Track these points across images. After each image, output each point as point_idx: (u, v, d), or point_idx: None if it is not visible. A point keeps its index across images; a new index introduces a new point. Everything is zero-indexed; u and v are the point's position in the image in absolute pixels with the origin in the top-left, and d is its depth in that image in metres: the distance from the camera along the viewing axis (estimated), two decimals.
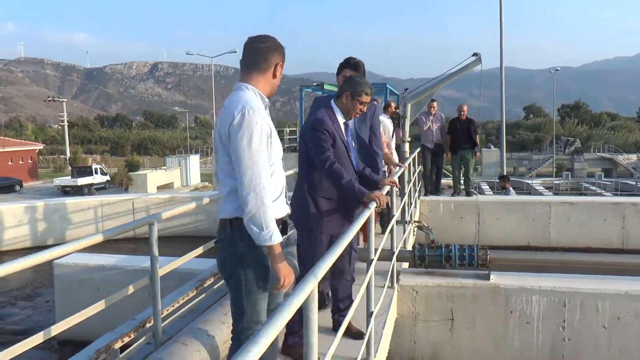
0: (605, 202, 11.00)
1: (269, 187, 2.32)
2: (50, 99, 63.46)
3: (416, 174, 10.45)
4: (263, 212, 2.26)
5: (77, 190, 33.56)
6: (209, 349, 3.20)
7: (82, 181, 35.17)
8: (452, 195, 11.45)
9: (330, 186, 3.37)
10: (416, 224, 8.34)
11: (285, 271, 2.35)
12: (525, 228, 10.86)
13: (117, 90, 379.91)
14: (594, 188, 29.26)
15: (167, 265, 3.63)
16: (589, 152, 53.96)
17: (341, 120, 3.50)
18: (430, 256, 5.55)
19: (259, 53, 2.46)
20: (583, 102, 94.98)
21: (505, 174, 12.47)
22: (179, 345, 3.10)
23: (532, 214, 10.82)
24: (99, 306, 3.48)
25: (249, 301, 2.50)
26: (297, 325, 3.44)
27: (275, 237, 2.30)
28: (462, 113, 10.97)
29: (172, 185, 38.12)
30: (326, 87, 21.46)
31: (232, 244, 2.41)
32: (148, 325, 3.58)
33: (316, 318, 1.96)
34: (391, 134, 7.02)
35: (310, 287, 1.90)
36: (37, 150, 52.21)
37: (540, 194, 28.52)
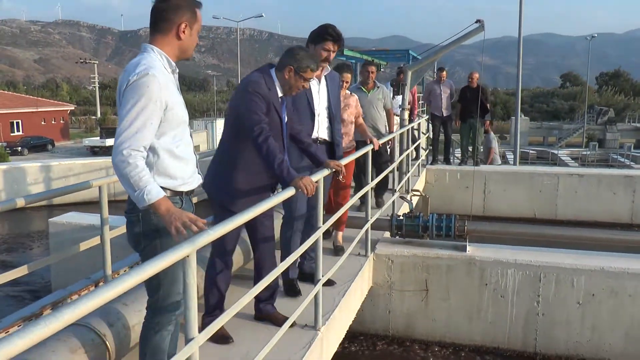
0: (616, 174, 10.66)
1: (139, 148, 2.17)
2: (82, 60, 64.26)
3: (418, 142, 10.32)
4: (129, 172, 2.15)
5: (105, 151, 34.28)
6: None
7: (110, 142, 35.88)
8: (459, 164, 11.28)
9: (255, 160, 3.17)
10: (412, 192, 8.29)
11: (172, 218, 2.19)
12: (532, 200, 10.67)
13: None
14: (622, 160, 28.40)
15: (118, 228, 3.69)
16: (623, 122, 52.12)
17: (279, 92, 3.31)
18: (407, 225, 5.51)
19: (159, 13, 2.34)
20: (624, 70, 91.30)
21: (491, 118, 11.84)
22: (120, 307, 3.16)
23: (540, 185, 10.59)
24: (50, 259, 3.61)
25: (167, 271, 2.46)
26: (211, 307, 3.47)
27: (150, 193, 2.16)
28: (472, 80, 10.70)
29: (199, 148, 38.54)
30: (346, 52, 21.17)
31: (146, 215, 2.32)
32: (100, 284, 3.66)
33: (193, 283, 1.96)
34: (391, 102, 6.91)
35: (184, 252, 1.89)
36: (68, 111, 53.28)
37: (566, 164, 27.90)
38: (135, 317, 3.13)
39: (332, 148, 4.36)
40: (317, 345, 3.57)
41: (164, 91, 2.22)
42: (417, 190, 8.62)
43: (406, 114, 8.34)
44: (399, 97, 10.18)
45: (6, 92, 55.68)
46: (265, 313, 3.64)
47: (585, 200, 10.42)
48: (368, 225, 5.21)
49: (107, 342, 2.88)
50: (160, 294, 2.45)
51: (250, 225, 3.43)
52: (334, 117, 4.32)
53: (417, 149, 10.68)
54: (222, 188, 3.26)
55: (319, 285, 3.59)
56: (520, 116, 49.98)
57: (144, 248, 2.42)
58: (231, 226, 2.28)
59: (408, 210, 5.67)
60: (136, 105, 2.15)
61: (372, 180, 6.49)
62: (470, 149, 11.16)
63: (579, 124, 48.92)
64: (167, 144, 2.31)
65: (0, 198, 11.82)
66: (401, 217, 5.55)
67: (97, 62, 64.40)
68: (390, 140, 6.73)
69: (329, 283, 4.45)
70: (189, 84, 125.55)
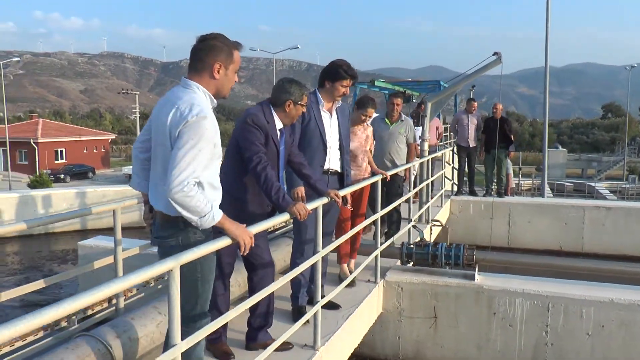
0: None
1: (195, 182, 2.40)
2: (124, 91, 66.68)
3: (440, 173, 10.40)
4: (196, 203, 2.38)
5: None
6: (154, 324, 3.47)
7: None
8: (484, 195, 11.27)
9: (249, 187, 3.37)
10: (433, 223, 8.37)
11: (238, 232, 2.58)
12: (558, 232, 10.56)
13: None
14: None
15: (131, 250, 3.95)
16: None
17: (278, 125, 3.54)
18: (417, 254, 5.61)
19: (195, 53, 2.57)
20: None
21: (515, 150, 11.58)
22: (128, 321, 3.39)
23: (565, 217, 10.49)
24: (63, 276, 3.90)
25: (205, 288, 2.70)
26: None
27: (216, 215, 2.47)
28: (496, 111, 10.78)
29: None
30: (377, 83, 21.52)
31: (186, 237, 2.54)
32: (113, 302, 3.91)
33: (177, 295, 2.16)
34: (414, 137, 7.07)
35: (169, 266, 2.11)
36: (110, 140, 55.21)
37: (604, 197, 27.27)
38: (141, 330, 3.36)
39: (342, 178, 4.57)
40: None
41: (216, 133, 2.48)
42: (438, 221, 8.69)
43: (426, 145, 8.48)
44: (420, 128, 10.36)
45: (53, 121, 58.20)
46: (259, 341, 3.67)
47: (613, 234, 10.25)
48: (377, 252, 5.34)
49: (112, 352, 3.10)
50: (190, 304, 2.63)
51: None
52: (344, 149, 4.54)
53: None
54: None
55: (318, 306, 3.75)
56: (558, 148, 49.21)
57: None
58: (217, 246, 2.49)
59: (418, 239, 5.76)
60: (195, 147, 2.37)
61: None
62: (495, 180, 11.17)
63: (619, 156, 47.77)
64: (210, 177, 2.53)
65: None
66: (412, 246, 5.66)
67: (138, 92, 66.62)
68: (405, 173, 6.86)
69: (335, 307, 4.60)
70: (227, 114, 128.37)
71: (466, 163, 11.28)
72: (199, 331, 2.40)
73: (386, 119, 6.74)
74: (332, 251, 5.46)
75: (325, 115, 4.36)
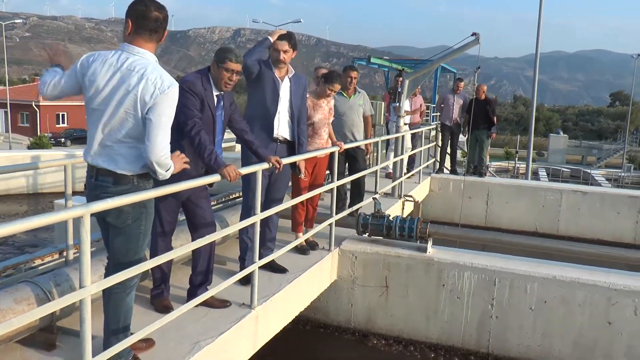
0: (620, 194, 10.57)
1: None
2: None
3: (420, 150, 10.52)
4: (167, 160, 2.72)
5: None
6: (97, 275, 3.64)
7: None
8: (464, 174, 11.39)
9: (185, 150, 3.41)
10: (405, 198, 8.51)
11: (178, 165, 2.87)
12: (535, 214, 10.69)
13: (199, 54, 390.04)
14: None
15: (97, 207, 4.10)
16: None
17: (215, 91, 3.69)
18: (372, 224, 5.77)
19: (157, 22, 2.73)
20: None
21: (496, 131, 11.48)
22: (71, 271, 3.56)
23: (542, 200, 10.61)
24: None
25: (144, 241, 2.88)
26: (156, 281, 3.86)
27: (172, 165, 2.78)
28: (480, 92, 10.86)
29: (234, 149, 39.34)
30: (373, 60, 21.46)
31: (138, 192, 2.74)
32: (64, 254, 4.08)
33: (87, 240, 2.33)
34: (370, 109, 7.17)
35: (79, 212, 2.28)
36: None
37: (599, 184, 27.33)
38: (94, 287, 3.52)
39: (292, 146, 4.71)
40: (250, 322, 3.89)
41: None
42: (410, 196, 8.82)
43: (401, 121, 8.57)
44: (407, 102, 10.44)
45: None
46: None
47: (588, 218, 10.38)
48: (331, 221, 5.52)
49: (50, 299, 3.27)
50: (128, 256, 2.83)
51: (186, 209, 3.80)
52: (295, 118, 4.66)
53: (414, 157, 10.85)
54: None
55: (254, 267, 3.94)
56: (560, 133, 49.07)
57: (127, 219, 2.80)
58: (155, 193, 2.73)
59: (375, 210, 5.91)
60: (170, 115, 2.73)
61: (347, 186, 6.81)
62: (476, 160, 11.29)
63: (620, 145, 47.61)
64: None
65: (26, 182, 12.61)
66: (368, 216, 5.82)
67: None
68: (367, 147, 6.97)
69: (282, 271, 4.78)
70: (236, 86, 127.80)
71: (449, 142, 11.41)
72: (110, 278, 2.56)
73: (343, 93, 6.77)
74: (287, 219, 5.67)
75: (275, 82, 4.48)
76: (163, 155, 2.67)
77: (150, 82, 2.62)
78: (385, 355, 5.51)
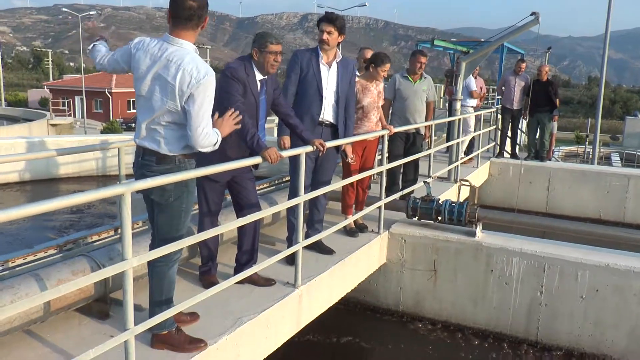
0: None
1: None
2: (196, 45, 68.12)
3: (479, 133, 10.29)
4: (211, 140, 2.89)
5: None
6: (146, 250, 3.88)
7: None
8: (525, 158, 11.07)
9: (229, 134, 3.61)
10: (461, 182, 8.41)
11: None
12: (599, 200, 10.26)
13: None
14: None
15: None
16: None
17: (258, 76, 3.79)
18: (422, 208, 5.76)
19: (194, 10, 2.80)
20: None
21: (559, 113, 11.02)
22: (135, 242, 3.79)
23: (607, 186, 10.16)
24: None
25: (186, 218, 3.09)
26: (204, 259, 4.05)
27: (219, 138, 2.97)
28: (542, 73, 10.46)
29: None
30: (436, 42, 21.04)
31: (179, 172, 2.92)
32: (119, 231, 4.35)
33: (127, 217, 2.51)
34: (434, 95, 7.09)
35: (120, 190, 2.46)
36: None
37: None
38: (135, 260, 3.77)
39: (337, 130, 4.77)
40: (293, 301, 4.02)
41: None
42: (466, 181, 8.69)
43: (458, 104, 8.43)
44: (474, 82, 10.25)
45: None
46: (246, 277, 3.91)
47: None
48: (381, 204, 5.55)
49: None
50: (171, 232, 3.01)
51: (232, 190, 3.96)
52: (342, 102, 4.72)
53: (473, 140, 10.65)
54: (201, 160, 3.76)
55: (298, 246, 4.05)
56: (637, 116, 46.29)
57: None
58: (194, 174, 2.88)
59: (425, 195, 5.88)
60: (209, 103, 2.85)
61: (402, 169, 6.80)
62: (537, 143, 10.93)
63: None
64: None
65: (96, 165, 13.31)
66: (418, 200, 5.81)
67: (209, 47, 67.92)
68: (425, 131, 6.93)
69: (329, 252, 4.88)
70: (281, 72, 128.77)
71: (510, 125, 11.09)
72: (155, 250, 2.75)
73: (409, 77, 6.75)
74: (339, 202, 5.76)
75: (323, 67, 4.56)
76: (206, 141, 2.84)
77: (187, 73, 2.75)
78: (430, 341, 5.52)
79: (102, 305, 3.45)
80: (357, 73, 5.48)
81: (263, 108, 3.85)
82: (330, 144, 4.32)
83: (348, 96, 4.78)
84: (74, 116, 41.92)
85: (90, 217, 9.06)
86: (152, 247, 3.12)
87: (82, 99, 40.51)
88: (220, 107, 3.63)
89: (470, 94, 10.46)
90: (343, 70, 4.70)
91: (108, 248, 3.76)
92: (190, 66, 2.76)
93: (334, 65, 4.64)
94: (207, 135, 2.84)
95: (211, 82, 2.80)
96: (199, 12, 2.82)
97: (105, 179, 13.21)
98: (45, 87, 53.60)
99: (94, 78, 49.10)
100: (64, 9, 63.50)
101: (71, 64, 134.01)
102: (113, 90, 45.54)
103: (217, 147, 2.95)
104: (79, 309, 3.45)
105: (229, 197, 4.21)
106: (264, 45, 3.73)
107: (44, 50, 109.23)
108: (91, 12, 54.57)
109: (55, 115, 33.61)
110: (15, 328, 2.98)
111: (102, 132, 30.28)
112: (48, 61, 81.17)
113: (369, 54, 5.92)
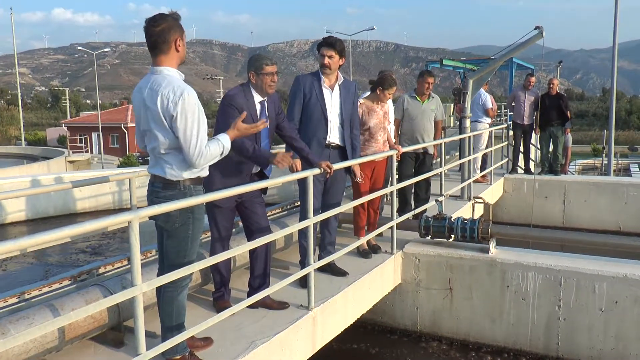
0: None
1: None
2: (209, 77, 69.36)
3: (491, 150, 10.27)
4: (212, 154, 2.95)
5: None
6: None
7: None
8: (539, 173, 10.99)
9: (230, 162, 3.62)
10: (475, 200, 8.38)
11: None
12: (617, 212, 10.14)
13: (279, 68, 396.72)
14: None
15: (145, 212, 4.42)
16: None
17: (257, 99, 3.87)
18: (434, 226, 5.75)
19: (157, 37, 2.89)
20: None
21: (571, 126, 11.02)
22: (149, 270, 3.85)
23: (625, 196, 10.04)
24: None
25: (193, 245, 3.14)
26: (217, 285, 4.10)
27: (226, 144, 3.03)
28: (552, 87, 10.46)
29: None
30: (445, 62, 21.19)
31: (184, 199, 2.94)
32: None
33: (136, 244, 2.56)
34: (442, 114, 7.11)
35: (127, 218, 2.52)
36: None
37: None
38: (145, 285, 3.81)
39: (345, 152, 4.82)
40: (307, 323, 4.02)
41: (197, 100, 2.91)
42: (480, 198, 8.66)
43: (467, 122, 8.45)
44: (486, 97, 10.27)
45: None
46: (259, 301, 3.87)
47: None
48: (392, 224, 5.55)
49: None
50: (179, 258, 3.06)
51: (242, 215, 4.01)
52: (347, 123, 4.78)
53: (485, 157, 10.63)
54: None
55: (310, 269, 4.06)
56: None
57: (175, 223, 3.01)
58: (195, 201, 2.90)
59: (437, 213, 5.88)
60: (192, 120, 2.84)
61: (414, 188, 6.80)
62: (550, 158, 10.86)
63: None
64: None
65: (112, 199, 13.50)
66: (430, 219, 5.80)
67: (222, 77, 69.09)
68: (434, 150, 6.96)
69: (343, 274, 4.88)
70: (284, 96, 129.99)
71: (522, 140, 11.04)
72: (161, 277, 2.79)
73: (417, 97, 6.81)
74: (351, 224, 5.78)
75: (326, 91, 4.63)
76: (203, 159, 2.89)
77: (164, 97, 2.82)
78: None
79: (116, 334, 3.49)
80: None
81: (264, 130, 3.91)
82: (337, 165, 4.37)
83: (352, 117, 4.84)
84: (91, 152, 42.70)
85: (118, 242, 9.16)
86: (160, 273, 3.16)
87: (98, 135, 41.28)
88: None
89: (486, 112, 10.49)
90: (345, 92, 4.78)
91: (121, 277, 3.81)
92: (167, 90, 2.82)
93: (336, 88, 4.72)
94: (202, 154, 2.86)
95: (189, 101, 2.82)
96: (162, 37, 2.87)
97: (122, 211, 13.38)
98: (63, 124, 54.73)
99: (110, 114, 50.08)
100: (79, 48, 65.22)
101: (88, 101, 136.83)
102: (129, 125, 46.33)
103: (223, 156, 3.00)
104: (94, 338, 3.50)
105: (241, 224, 4.27)
106: (260, 67, 3.82)
107: (61, 89, 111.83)
108: (105, 49, 55.81)
109: (73, 152, 34.26)
110: (31, 358, 3.02)
111: (118, 167, 30.71)
112: (65, 99, 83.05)
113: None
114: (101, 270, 4.14)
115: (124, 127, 46.36)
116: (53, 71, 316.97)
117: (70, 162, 28.13)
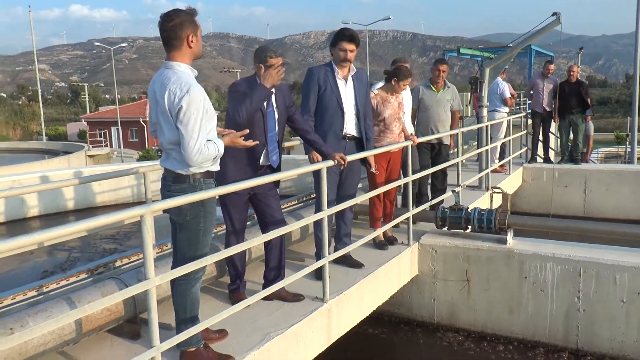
0: None
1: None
2: (226, 70, 69.48)
3: (509, 139, 10.13)
4: (209, 154, 2.90)
5: None
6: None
7: None
8: (559, 162, 10.83)
9: (240, 152, 3.69)
10: (493, 190, 8.28)
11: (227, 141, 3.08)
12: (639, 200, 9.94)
13: (296, 60, 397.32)
14: None
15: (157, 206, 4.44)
16: None
17: None
18: (451, 217, 5.70)
19: (169, 32, 2.90)
20: None
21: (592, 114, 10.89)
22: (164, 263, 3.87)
23: None
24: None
25: (205, 238, 3.15)
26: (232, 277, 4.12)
27: (220, 148, 2.98)
28: (572, 74, 10.27)
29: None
30: (462, 50, 20.89)
31: (194, 191, 2.97)
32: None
33: (148, 237, 2.57)
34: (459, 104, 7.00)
35: (140, 212, 2.53)
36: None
37: None
38: (158, 279, 3.84)
39: (361, 143, 4.79)
40: (322, 315, 4.01)
41: (205, 98, 2.90)
42: (498, 188, 8.54)
43: (484, 111, 8.34)
44: (505, 86, 10.13)
45: None
46: (274, 293, 3.88)
47: None
48: (409, 215, 5.52)
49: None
50: (190, 251, 3.07)
51: (256, 209, 4.01)
52: (362, 114, 4.75)
53: (504, 147, 10.50)
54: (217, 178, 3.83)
55: (325, 261, 4.05)
56: None
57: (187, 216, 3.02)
58: (205, 194, 2.89)
59: (454, 203, 5.82)
60: (194, 117, 2.82)
61: (430, 179, 6.74)
62: (570, 145, 10.69)
63: None
64: (209, 134, 2.96)
65: (131, 192, 13.64)
66: (446, 210, 5.75)
67: (239, 70, 69.12)
68: (450, 141, 6.88)
69: (358, 266, 4.87)
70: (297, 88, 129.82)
71: (541, 129, 10.88)
72: (173, 271, 2.80)
73: (432, 86, 6.72)
74: (366, 215, 5.75)
75: (340, 82, 4.60)
76: (201, 157, 2.85)
77: (171, 92, 2.83)
78: (465, 351, 5.41)
79: (132, 326, 3.52)
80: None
81: (271, 120, 3.90)
82: (351, 157, 4.34)
83: (366, 108, 4.81)
84: (111, 146, 43.14)
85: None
86: (174, 266, 3.18)
87: (118, 129, 41.72)
88: (229, 122, 3.75)
89: (504, 101, 10.35)
90: (358, 83, 4.74)
91: (137, 270, 3.84)
92: (175, 85, 2.83)
93: (350, 79, 4.68)
94: (200, 152, 2.84)
95: (195, 98, 2.81)
96: (174, 33, 2.87)
97: (139, 204, 13.51)
98: (83, 119, 55.42)
99: (129, 108, 50.51)
100: (97, 43, 65.84)
101: (106, 96, 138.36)
102: (147, 119, 46.73)
103: (216, 163, 3.00)
104: (111, 330, 3.54)
105: (255, 217, 4.27)
106: (265, 60, 3.82)
107: (80, 84, 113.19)
108: (123, 44, 56.27)
109: (93, 147, 34.65)
110: (50, 350, 3.06)
111: (137, 160, 31.00)
112: (85, 95, 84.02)
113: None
114: (117, 263, 4.18)
115: (143, 121, 46.72)
116: (72, 67, 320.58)
117: (90, 156, 28.49)
